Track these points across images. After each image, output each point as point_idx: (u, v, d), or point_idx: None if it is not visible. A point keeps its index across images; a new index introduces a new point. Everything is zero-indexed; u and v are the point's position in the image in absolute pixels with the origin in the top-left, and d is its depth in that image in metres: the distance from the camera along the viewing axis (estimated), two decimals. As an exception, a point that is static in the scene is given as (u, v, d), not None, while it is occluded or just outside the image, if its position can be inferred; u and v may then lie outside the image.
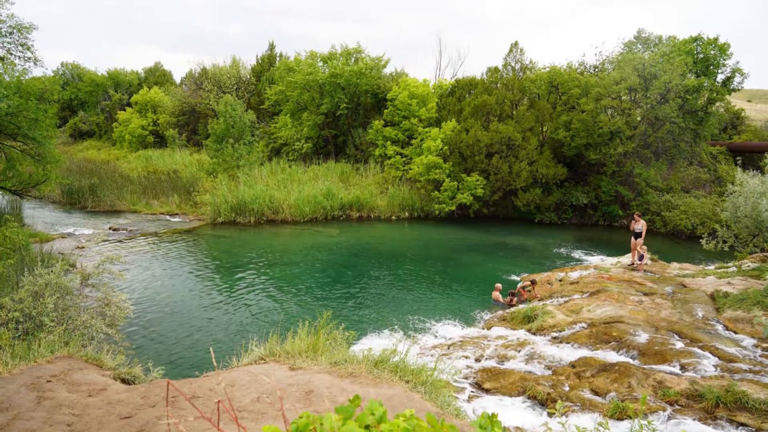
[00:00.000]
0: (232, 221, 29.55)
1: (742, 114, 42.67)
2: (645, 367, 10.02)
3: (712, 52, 34.70)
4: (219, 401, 1.91)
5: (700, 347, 10.74)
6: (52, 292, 9.15)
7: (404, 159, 35.15)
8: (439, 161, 31.90)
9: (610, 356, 10.81)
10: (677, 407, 8.59)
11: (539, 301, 16.33)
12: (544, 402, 9.37)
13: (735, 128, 41.71)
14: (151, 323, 14.76)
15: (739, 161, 25.11)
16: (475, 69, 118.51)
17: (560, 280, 18.15)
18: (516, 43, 37.90)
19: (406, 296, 17.76)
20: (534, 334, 13.22)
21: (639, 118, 32.48)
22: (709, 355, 10.34)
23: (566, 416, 8.64)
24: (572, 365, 10.60)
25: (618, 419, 8.36)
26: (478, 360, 11.71)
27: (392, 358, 7.30)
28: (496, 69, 37.97)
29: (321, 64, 40.38)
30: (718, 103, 36.49)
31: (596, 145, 31.75)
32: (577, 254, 24.41)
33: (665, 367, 9.93)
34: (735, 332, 11.84)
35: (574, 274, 18.41)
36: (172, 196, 33.73)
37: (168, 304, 16.30)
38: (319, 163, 38.52)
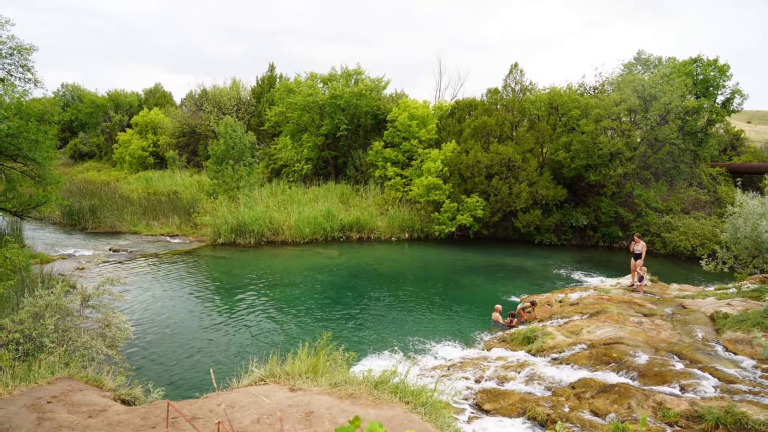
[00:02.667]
0: (233, 242, 29.59)
1: (742, 135, 42.87)
2: (645, 388, 10.01)
3: (712, 73, 34.94)
4: (219, 422, 1.95)
5: (699, 368, 10.73)
6: (53, 314, 9.17)
7: (404, 180, 35.28)
8: (439, 182, 32.01)
9: (610, 377, 10.79)
10: (677, 428, 8.57)
11: (539, 322, 16.32)
12: (544, 423, 9.35)
13: (735, 149, 41.87)
14: (152, 344, 14.74)
15: (739, 182, 25.25)
16: (475, 90, 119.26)
17: (560, 302, 18.13)
18: (516, 65, 38.28)
19: (406, 317, 17.74)
20: (534, 355, 13.21)
21: (639, 140, 32.66)
22: (709, 376, 10.34)
23: (566, 438, 8.62)
24: (572, 386, 10.59)
25: (618, 441, 8.33)
26: (478, 381, 11.68)
27: (392, 380, 7.30)
28: (496, 90, 38.27)
29: (321, 85, 40.72)
30: (717, 125, 36.66)
31: (596, 167, 31.89)
32: (577, 275, 24.40)
33: (665, 389, 9.92)
34: (735, 353, 11.84)
35: (573, 296, 18.40)
36: (172, 218, 33.79)
37: (168, 326, 16.28)
38: (319, 185, 38.67)
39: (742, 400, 9.08)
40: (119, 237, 30.71)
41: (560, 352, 12.87)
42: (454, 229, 31.67)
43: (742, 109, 36.48)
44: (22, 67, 17.05)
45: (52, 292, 9.53)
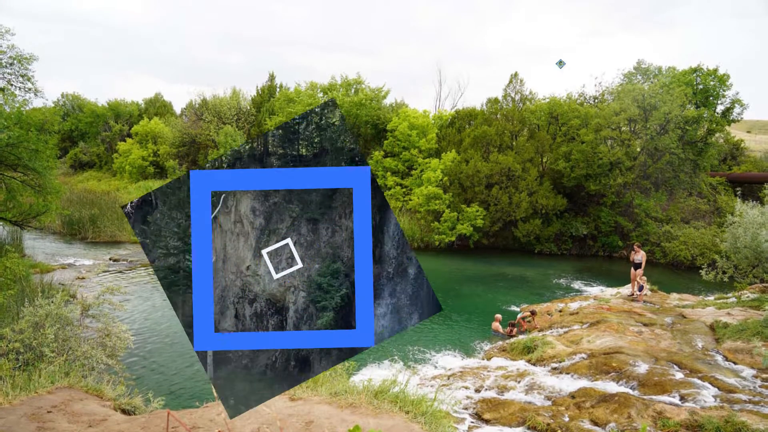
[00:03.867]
0: (233, 251, 29.52)
1: (742, 145, 42.87)
2: (645, 397, 10.00)
3: (712, 83, 34.99)
4: (219, 431, 1.97)
5: (699, 378, 10.73)
6: (53, 323, 9.17)
7: (404, 190, 35.32)
8: (439, 192, 32.04)
9: (610, 387, 10.79)
10: (677, 438, 8.57)
11: (539, 331, 16.29)
12: (544, 433, 9.34)
13: (734, 159, 41.87)
14: (152, 354, 14.73)
15: (739, 192, 25.29)
16: (475, 100, 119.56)
17: (560, 311, 18.13)
18: (516, 74, 38.36)
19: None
20: (534, 364, 13.20)
21: (639, 149, 32.72)
22: (709, 385, 10.33)
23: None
24: (572, 396, 10.58)
25: (618, 451, 8.32)
26: (477, 390, 11.67)
27: (392, 389, 7.30)
28: (496, 100, 38.37)
29: (321, 94, 40.89)
30: (717, 134, 36.67)
31: (596, 176, 31.93)
32: (576, 285, 24.39)
33: (665, 398, 9.92)
34: (734, 363, 11.84)
35: (573, 305, 18.39)
36: (172, 227, 33.72)
37: (168, 335, 16.28)
38: (319, 194, 38.62)
39: (742, 409, 9.09)
40: (119, 246, 30.70)
41: (560, 362, 12.86)
42: (454, 238, 31.68)
43: (741, 118, 36.54)
44: (22, 76, 17.10)
45: (52, 302, 9.52)
